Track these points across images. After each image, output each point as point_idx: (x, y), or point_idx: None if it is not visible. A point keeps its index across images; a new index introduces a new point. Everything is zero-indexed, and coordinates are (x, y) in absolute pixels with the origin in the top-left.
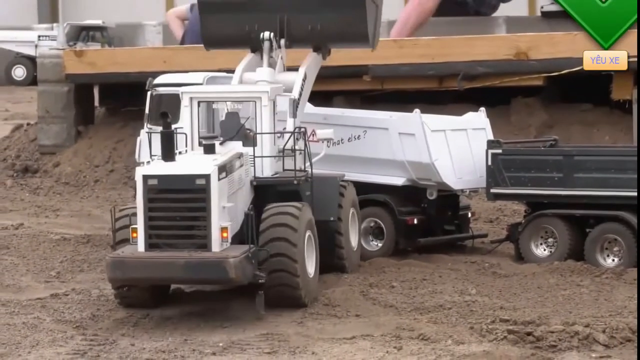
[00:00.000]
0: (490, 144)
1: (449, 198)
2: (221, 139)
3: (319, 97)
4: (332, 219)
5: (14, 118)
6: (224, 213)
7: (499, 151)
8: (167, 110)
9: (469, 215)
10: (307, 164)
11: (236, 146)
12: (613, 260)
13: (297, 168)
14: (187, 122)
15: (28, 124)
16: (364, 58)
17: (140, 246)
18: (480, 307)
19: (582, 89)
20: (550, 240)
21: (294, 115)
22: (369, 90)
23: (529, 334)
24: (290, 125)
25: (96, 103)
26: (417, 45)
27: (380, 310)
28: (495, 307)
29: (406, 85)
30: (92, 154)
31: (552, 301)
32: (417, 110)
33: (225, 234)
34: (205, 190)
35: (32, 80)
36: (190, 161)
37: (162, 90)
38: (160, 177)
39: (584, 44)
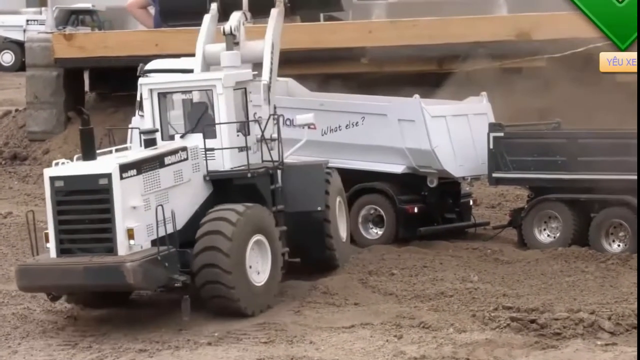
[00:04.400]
0: (492, 127)
1: (450, 185)
2: (181, 132)
3: (314, 82)
4: (319, 208)
5: (1, 105)
6: (134, 213)
7: (501, 134)
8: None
9: (471, 203)
10: (286, 152)
11: (196, 139)
12: (619, 245)
13: (272, 158)
14: (148, 115)
15: (16, 110)
16: (362, 40)
17: (52, 252)
18: (482, 295)
19: (586, 70)
20: (553, 225)
21: (268, 102)
22: (367, 74)
23: (532, 321)
24: (265, 112)
25: (86, 88)
26: (416, 27)
27: (380, 298)
28: (498, 294)
29: (405, 67)
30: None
31: (556, 288)
32: (416, 96)
33: (132, 236)
34: (108, 190)
35: (20, 66)
36: (100, 160)
37: (153, 76)
38: (66, 179)
39: (587, 23)
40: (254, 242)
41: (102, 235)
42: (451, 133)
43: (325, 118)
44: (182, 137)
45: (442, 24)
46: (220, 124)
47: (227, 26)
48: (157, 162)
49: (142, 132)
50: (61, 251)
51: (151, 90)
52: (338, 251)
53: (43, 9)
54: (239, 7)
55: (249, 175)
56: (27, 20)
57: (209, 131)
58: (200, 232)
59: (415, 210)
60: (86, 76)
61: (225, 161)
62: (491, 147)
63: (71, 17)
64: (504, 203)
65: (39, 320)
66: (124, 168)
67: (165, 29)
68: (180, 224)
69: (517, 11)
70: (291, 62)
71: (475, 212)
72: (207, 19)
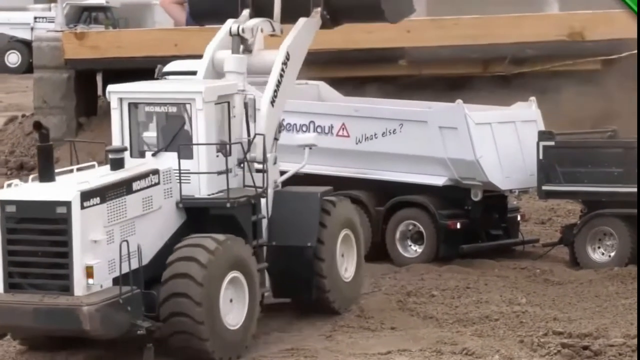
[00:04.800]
0: (542, 136)
1: (495, 199)
2: (154, 150)
3: (348, 85)
4: (309, 244)
5: (7, 110)
6: (94, 248)
7: (552, 143)
8: None
9: (518, 218)
10: (277, 179)
11: (170, 159)
12: None
13: (254, 183)
14: (116, 128)
15: (23, 116)
16: (399, 40)
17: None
18: (530, 319)
19: None
20: (609, 243)
21: (254, 119)
22: (406, 77)
23: (585, 347)
24: (250, 131)
25: (99, 92)
26: (458, 25)
27: (419, 322)
28: (548, 318)
29: (447, 70)
30: (95, 148)
31: (612, 311)
32: (459, 101)
33: (91, 275)
34: (66, 220)
35: (27, 68)
36: (59, 183)
37: (172, 79)
38: (18, 204)
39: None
40: (229, 280)
41: (56, 272)
42: (497, 142)
43: (360, 125)
44: (154, 155)
45: (487, 23)
46: (197, 144)
47: (235, 25)
48: (124, 188)
49: (108, 151)
50: (9, 286)
51: (121, 100)
52: (334, 293)
53: (52, 5)
54: (271, 14)
55: (227, 205)
56: (35, 18)
57: (185, 151)
58: (171, 259)
59: (458, 226)
60: (99, 79)
61: (202, 186)
62: (541, 157)
63: (83, 15)
64: (555, 218)
65: (46, 349)
66: (86, 196)
67: (185, 27)
68: (146, 258)
69: (569, 9)
70: (322, 64)
71: (523, 228)
72: (229, 23)
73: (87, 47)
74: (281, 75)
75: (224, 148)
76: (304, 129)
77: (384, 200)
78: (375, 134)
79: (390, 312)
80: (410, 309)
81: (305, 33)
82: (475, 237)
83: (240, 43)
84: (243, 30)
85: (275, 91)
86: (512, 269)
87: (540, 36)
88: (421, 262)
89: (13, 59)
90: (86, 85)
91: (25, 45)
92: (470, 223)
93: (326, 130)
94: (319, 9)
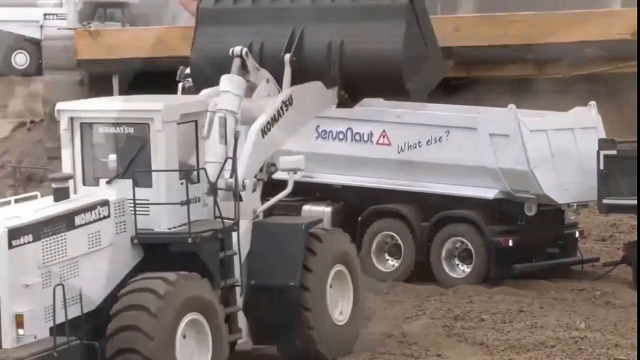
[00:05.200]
0: (603, 144)
1: (551, 214)
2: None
3: None
4: (292, 283)
5: (15, 115)
6: (26, 294)
7: (614, 152)
8: None
9: (577, 235)
10: (257, 207)
11: (125, 188)
12: None
13: (220, 214)
14: (67, 151)
15: (32, 122)
16: (447, 39)
17: None
18: (590, 345)
19: None
20: None
21: (225, 141)
22: (453, 79)
23: None
24: (219, 153)
25: (116, 95)
26: (512, 23)
27: (468, 349)
28: (609, 345)
29: (498, 72)
30: None
31: None
32: (512, 106)
33: (21, 324)
34: None
35: (36, 69)
36: None
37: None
38: None
39: None
40: (187, 322)
41: None
42: (553, 150)
43: (403, 132)
44: (108, 182)
45: (542, 20)
46: (156, 171)
47: (239, 48)
48: (64, 223)
49: (51, 179)
50: None
51: (72, 119)
52: (325, 343)
53: (64, 1)
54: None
55: (189, 240)
56: (45, 15)
57: (143, 178)
58: (116, 308)
59: (510, 243)
60: (115, 81)
61: (162, 218)
62: (601, 167)
63: (97, 11)
64: (617, 235)
65: None
66: (15, 233)
67: None
68: (94, 304)
69: (633, 5)
70: None
71: (582, 245)
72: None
73: (102, 46)
74: (279, 114)
75: (189, 174)
76: (341, 136)
77: (428, 215)
78: (419, 142)
79: (435, 337)
80: (458, 335)
81: (315, 94)
82: (529, 255)
83: (242, 75)
84: (247, 54)
85: (269, 123)
86: (570, 291)
87: (601, 35)
88: (469, 283)
89: (21, 59)
90: (101, 88)
91: (35, 45)
92: (523, 240)
93: (365, 138)
94: (336, 88)
